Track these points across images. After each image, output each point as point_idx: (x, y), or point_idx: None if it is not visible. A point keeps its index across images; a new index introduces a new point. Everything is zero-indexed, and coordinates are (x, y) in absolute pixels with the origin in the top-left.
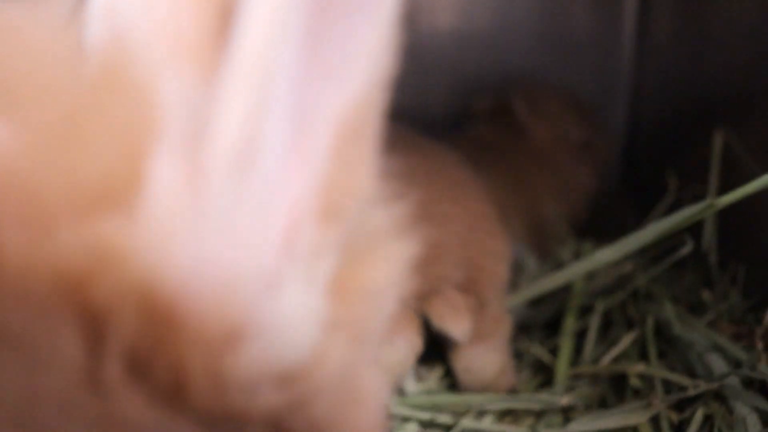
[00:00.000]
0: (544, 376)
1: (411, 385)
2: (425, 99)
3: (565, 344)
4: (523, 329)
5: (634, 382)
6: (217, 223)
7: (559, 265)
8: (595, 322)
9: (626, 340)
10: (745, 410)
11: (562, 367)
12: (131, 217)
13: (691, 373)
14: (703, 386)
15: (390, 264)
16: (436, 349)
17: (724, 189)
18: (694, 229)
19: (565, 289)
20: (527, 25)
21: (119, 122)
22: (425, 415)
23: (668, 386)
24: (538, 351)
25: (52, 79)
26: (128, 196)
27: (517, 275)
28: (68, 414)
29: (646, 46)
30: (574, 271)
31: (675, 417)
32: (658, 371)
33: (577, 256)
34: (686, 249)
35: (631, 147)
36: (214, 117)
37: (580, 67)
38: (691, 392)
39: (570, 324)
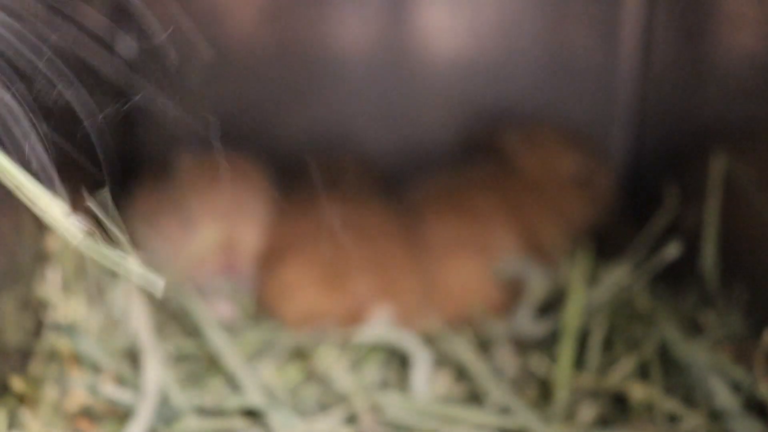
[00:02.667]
0: (545, 392)
1: (420, 390)
2: (425, 130)
3: (565, 352)
4: (524, 344)
5: (636, 398)
6: None
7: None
8: (596, 335)
9: (628, 362)
10: None
11: (562, 376)
12: None
13: (691, 395)
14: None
15: None
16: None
17: (725, 214)
18: (695, 249)
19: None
20: (529, 52)
21: None
22: (430, 424)
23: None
24: (538, 365)
25: None
26: None
27: (521, 289)
28: None
29: (647, 73)
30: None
31: None
32: (659, 397)
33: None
34: (674, 251)
35: (632, 174)
36: None
37: (582, 94)
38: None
39: (570, 327)
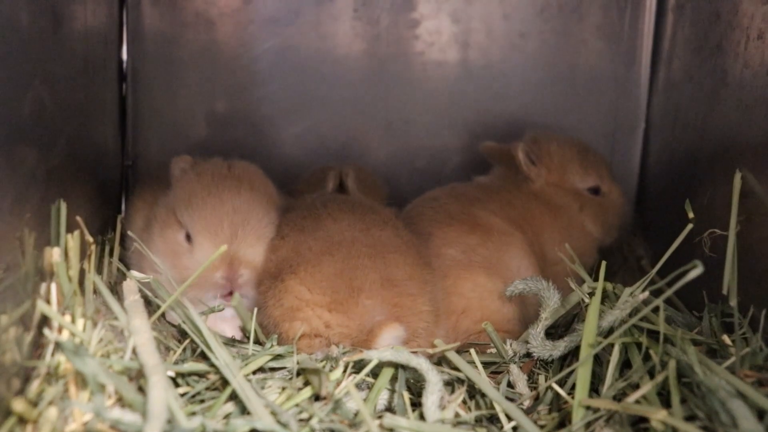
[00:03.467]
0: (560, 415)
1: (432, 413)
2: (437, 138)
3: (582, 374)
4: (542, 365)
5: (656, 424)
6: None
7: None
8: (614, 357)
9: (648, 386)
10: None
11: (578, 399)
12: None
13: (713, 421)
14: None
15: None
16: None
17: (743, 233)
18: (715, 273)
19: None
20: (540, 59)
21: None
22: None
23: None
24: (554, 387)
25: None
26: None
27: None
28: None
29: (660, 84)
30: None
31: None
32: (681, 423)
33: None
34: (696, 272)
35: (644, 184)
36: None
37: (593, 103)
38: None
39: (587, 348)
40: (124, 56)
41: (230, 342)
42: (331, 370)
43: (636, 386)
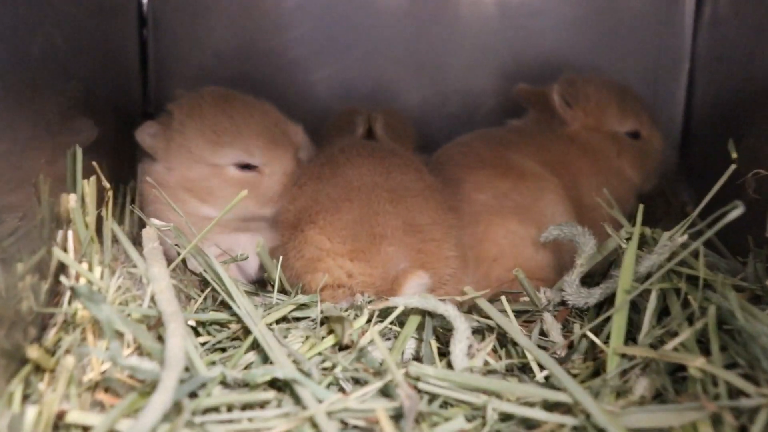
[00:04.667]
0: (595, 365)
1: (460, 361)
2: (471, 81)
3: (617, 322)
4: (577, 314)
5: (695, 372)
6: None
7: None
8: (651, 303)
9: (686, 333)
10: None
11: (614, 348)
12: None
13: (754, 367)
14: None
15: None
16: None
17: None
18: (761, 217)
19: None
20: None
21: None
22: (470, 398)
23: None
24: (588, 335)
25: None
26: None
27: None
28: None
29: (706, 20)
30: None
31: (736, 420)
32: (720, 371)
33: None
34: (736, 212)
35: (689, 127)
36: None
37: (634, 42)
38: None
39: (623, 295)
40: (144, 0)
41: (254, 291)
42: (355, 319)
43: (674, 334)
